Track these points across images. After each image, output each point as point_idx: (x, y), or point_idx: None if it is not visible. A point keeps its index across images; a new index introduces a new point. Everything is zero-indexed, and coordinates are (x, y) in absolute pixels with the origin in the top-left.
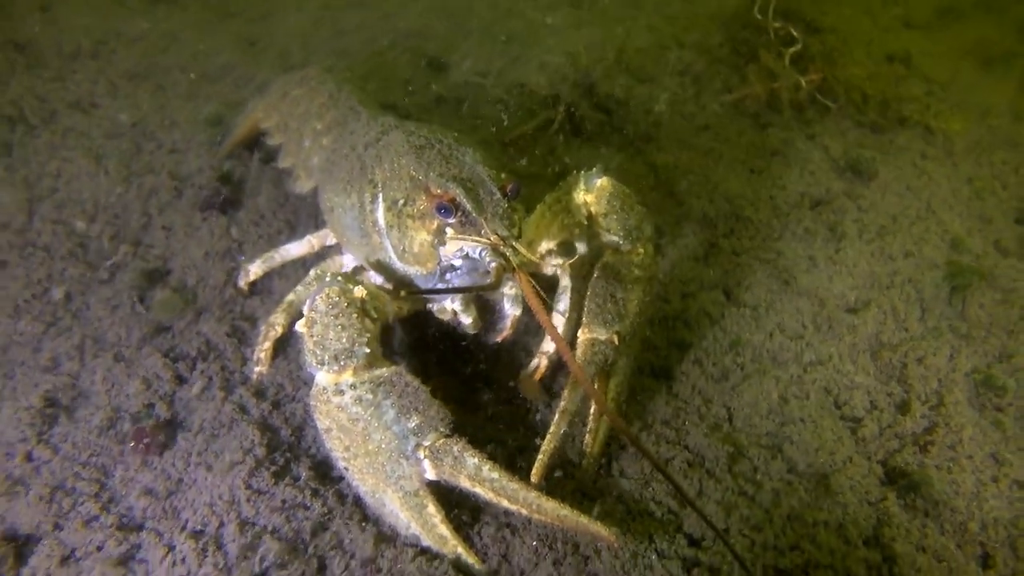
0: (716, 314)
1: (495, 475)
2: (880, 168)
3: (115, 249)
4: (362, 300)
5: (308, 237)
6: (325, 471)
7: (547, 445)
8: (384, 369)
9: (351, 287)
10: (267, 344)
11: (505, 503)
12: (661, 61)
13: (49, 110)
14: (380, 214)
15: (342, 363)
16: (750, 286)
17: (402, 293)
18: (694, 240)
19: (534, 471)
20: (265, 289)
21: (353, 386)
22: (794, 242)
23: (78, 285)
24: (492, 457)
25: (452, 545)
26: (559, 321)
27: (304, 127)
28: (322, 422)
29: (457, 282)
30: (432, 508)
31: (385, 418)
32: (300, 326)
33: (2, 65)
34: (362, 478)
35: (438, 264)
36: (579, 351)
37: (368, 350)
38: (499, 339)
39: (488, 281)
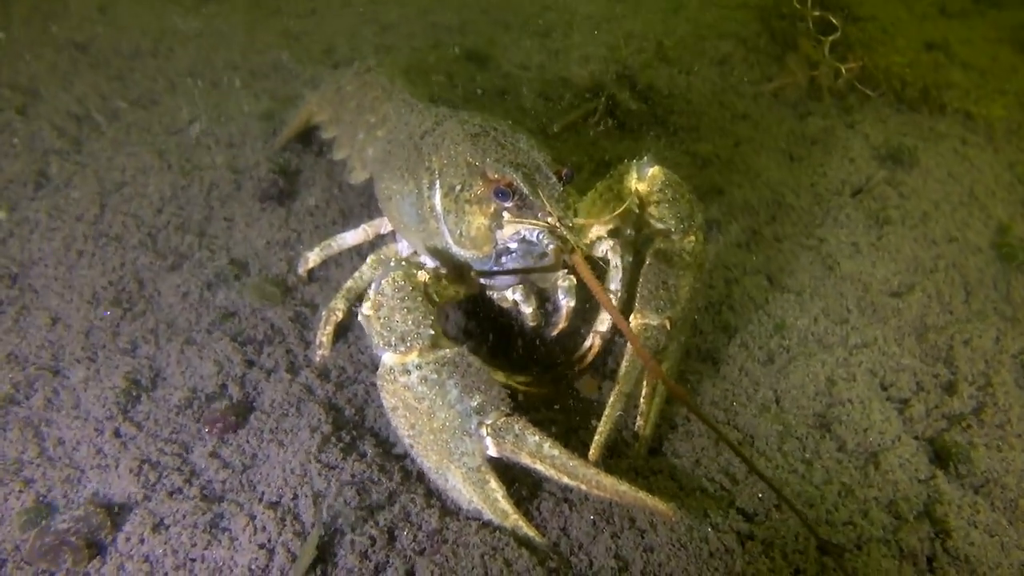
0: (760, 299)
1: (555, 452)
2: (921, 155)
3: (181, 239)
4: (425, 284)
5: (363, 226)
6: (388, 448)
7: (605, 424)
8: (448, 350)
9: (415, 271)
10: (328, 328)
11: (565, 479)
12: (700, 51)
13: (112, 108)
14: (437, 200)
15: (408, 344)
16: (793, 271)
17: (472, 273)
18: (736, 227)
19: (592, 449)
20: (323, 277)
21: (419, 366)
22: (836, 228)
23: (149, 273)
24: (551, 436)
25: (513, 519)
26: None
27: (358, 120)
28: (388, 401)
29: (512, 265)
30: (494, 483)
31: (449, 397)
32: (366, 309)
33: (66, 65)
34: (426, 454)
35: (494, 247)
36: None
37: (433, 331)
38: (554, 332)
39: (546, 263)
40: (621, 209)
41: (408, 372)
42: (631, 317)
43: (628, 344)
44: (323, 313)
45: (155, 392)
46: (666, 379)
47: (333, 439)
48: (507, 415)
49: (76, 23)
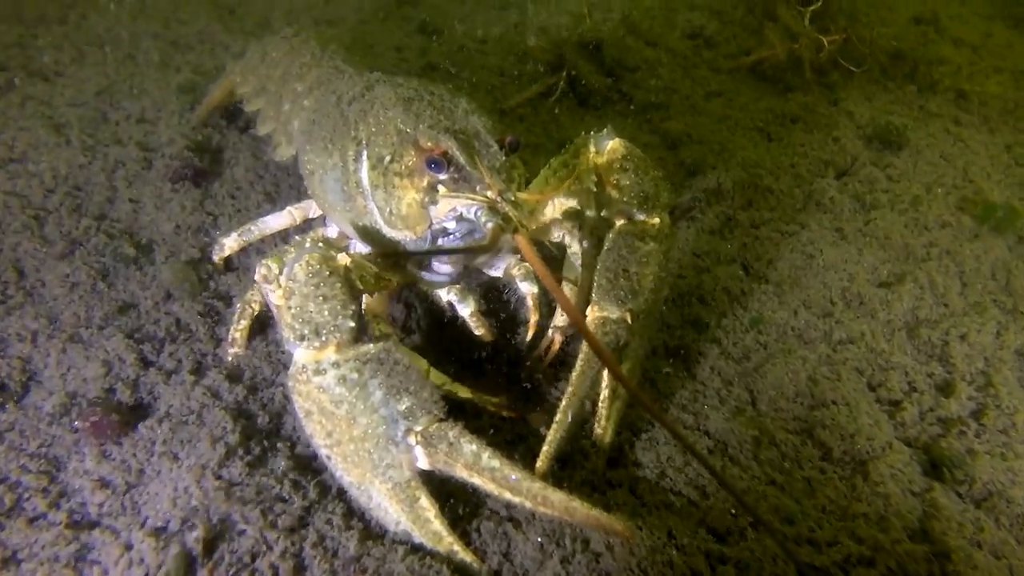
0: (735, 290)
1: (495, 463)
2: (911, 135)
3: (76, 223)
4: (346, 268)
5: (289, 208)
6: (307, 462)
7: (554, 432)
8: (371, 345)
9: (333, 253)
10: (243, 323)
11: (507, 495)
12: (670, 24)
13: (6, 78)
14: (364, 173)
15: (324, 338)
16: (771, 260)
17: (406, 258)
18: (710, 213)
19: (540, 460)
20: (241, 266)
21: (336, 364)
22: (819, 213)
23: (32, 261)
24: (491, 444)
25: (447, 542)
26: (568, 292)
27: (284, 89)
28: (301, 405)
29: (450, 257)
30: (425, 501)
31: (372, 399)
32: (276, 298)
33: None
34: (346, 468)
35: (429, 227)
36: (586, 333)
37: (353, 324)
38: (530, 332)
39: (483, 242)
40: (570, 180)
41: (323, 371)
42: (588, 310)
43: (584, 341)
44: (238, 306)
45: (24, 399)
46: (626, 380)
47: (240, 451)
48: (440, 420)
49: None
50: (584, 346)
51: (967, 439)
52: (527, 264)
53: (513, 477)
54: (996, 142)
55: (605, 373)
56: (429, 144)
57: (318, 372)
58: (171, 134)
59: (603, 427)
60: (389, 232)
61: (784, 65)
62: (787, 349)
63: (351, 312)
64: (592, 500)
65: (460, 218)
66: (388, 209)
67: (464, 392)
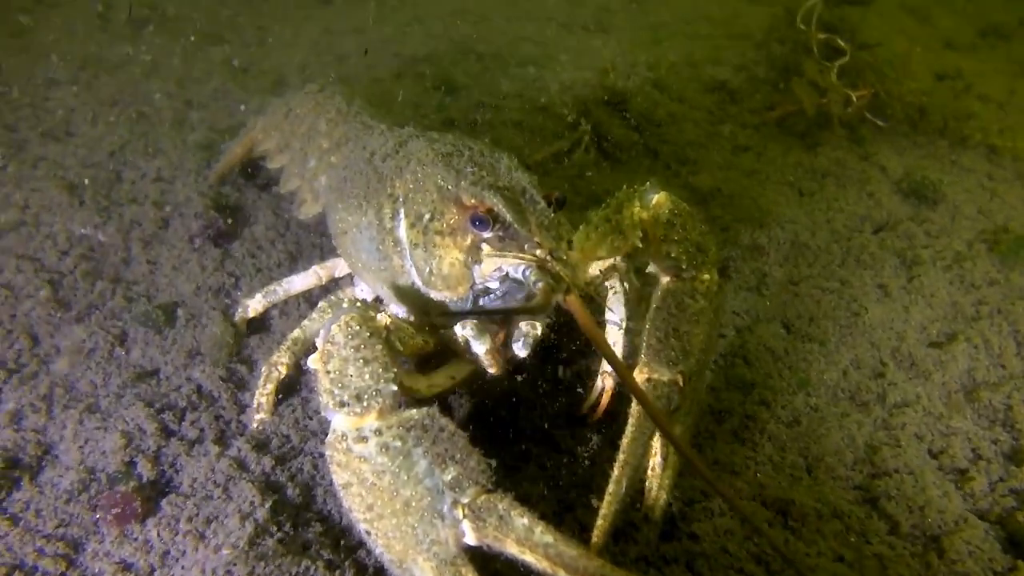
0: (779, 349)
1: (549, 539)
2: (947, 190)
3: (91, 286)
4: (387, 329)
5: (314, 268)
6: (340, 537)
7: (609, 504)
8: (414, 410)
9: (373, 314)
10: (269, 387)
11: (562, 573)
12: (693, 78)
13: (18, 139)
14: (402, 232)
15: (365, 404)
16: (814, 318)
17: (443, 319)
18: (745, 268)
19: (595, 534)
20: (263, 327)
21: (378, 431)
22: (859, 270)
23: (46, 327)
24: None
25: None
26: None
27: (309, 146)
28: (340, 476)
29: (492, 307)
30: None
31: (416, 469)
32: (313, 361)
33: None
34: (388, 544)
35: (471, 288)
36: (636, 395)
37: (395, 388)
38: (491, 370)
39: (533, 304)
40: (625, 244)
41: (365, 439)
42: (636, 371)
43: (634, 404)
44: (263, 370)
45: (40, 475)
46: (680, 444)
47: (271, 528)
48: (488, 492)
49: None
50: (635, 410)
51: None
52: (536, 329)
53: (569, 554)
54: None
55: (656, 439)
56: (473, 201)
57: (359, 440)
58: (188, 193)
59: (655, 496)
60: (428, 292)
61: (811, 120)
62: (840, 412)
63: (393, 375)
64: None
65: (505, 278)
66: (428, 268)
67: None
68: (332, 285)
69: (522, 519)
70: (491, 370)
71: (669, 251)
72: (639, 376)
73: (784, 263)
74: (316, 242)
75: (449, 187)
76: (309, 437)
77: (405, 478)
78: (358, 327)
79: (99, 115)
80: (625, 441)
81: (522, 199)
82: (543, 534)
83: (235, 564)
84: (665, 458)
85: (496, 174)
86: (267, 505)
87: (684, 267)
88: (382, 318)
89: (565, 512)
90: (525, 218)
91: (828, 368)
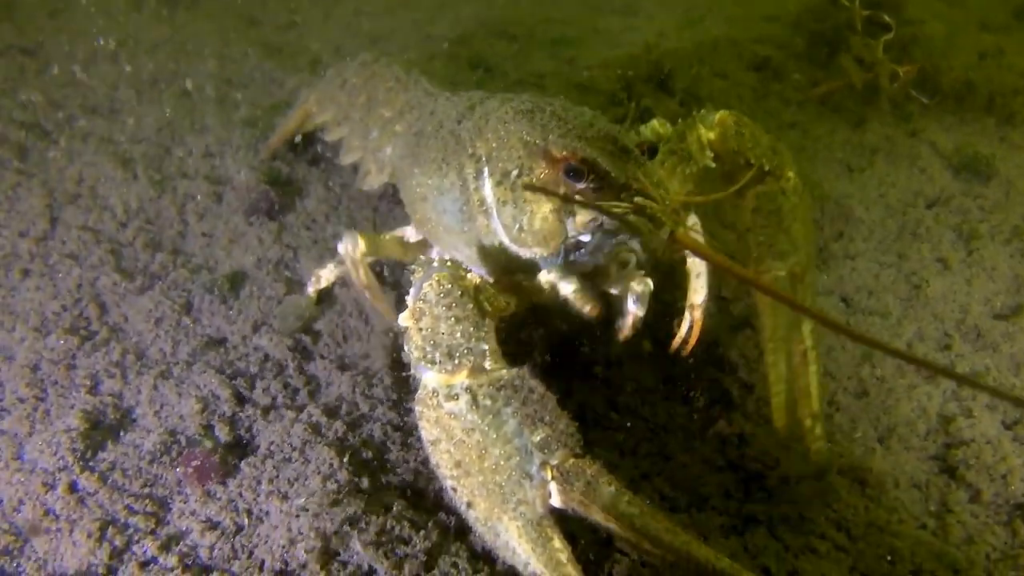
0: (841, 320)
1: (635, 510)
2: (999, 165)
3: (151, 257)
4: (476, 288)
5: (384, 236)
6: (418, 500)
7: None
8: (505, 371)
9: (463, 273)
10: (311, 290)
11: (646, 545)
12: (736, 55)
13: (65, 116)
14: (488, 190)
15: (457, 361)
16: (873, 291)
17: (533, 278)
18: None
19: (776, 414)
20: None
21: (469, 389)
22: (917, 243)
23: (112, 296)
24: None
25: None
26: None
27: (370, 117)
28: (429, 432)
29: (585, 265)
30: (558, 542)
31: (506, 428)
32: (404, 319)
33: (10, 70)
34: (474, 501)
35: (562, 242)
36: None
37: (487, 346)
38: (620, 337)
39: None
40: (697, 169)
41: (456, 396)
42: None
43: (766, 309)
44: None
45: (122, 436)
46: (825, 316)
47: (350, 488)
48: (577, 456)
49: (22, 27)
50: (767, 311)
51: None
52: (647, 284)
53: (655, 527)
54: None
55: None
56: (564, 153)
57: (450, 397)
58: (240, 167)
59: (813, 395)
60: (517, 250)
61: (856, 96)
62: (908, 384)
63: (484, 334)
64: (729, 543)
65: (599, 228)
66: (518, 225)
67: None
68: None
69: (609, 487)
70: (585, 310)
71: (748, 159)
72: (759, 276)
73: (839, 238)
74: (368, 216)
75: (537, 141)
76: (377, 404)
77: (494, 436)
78: (450, 285)
79: (142, 93)
80: (769, 345)
81: (614, 147)
82: (630, 505)
83: (322, 521)
84: (804, 355)
85: (584, 125)
86: (346, 466)
87: (767, 168)
88: (472, 277)
89: (643, 480)
90: (619, 165)
91: (892, 340)
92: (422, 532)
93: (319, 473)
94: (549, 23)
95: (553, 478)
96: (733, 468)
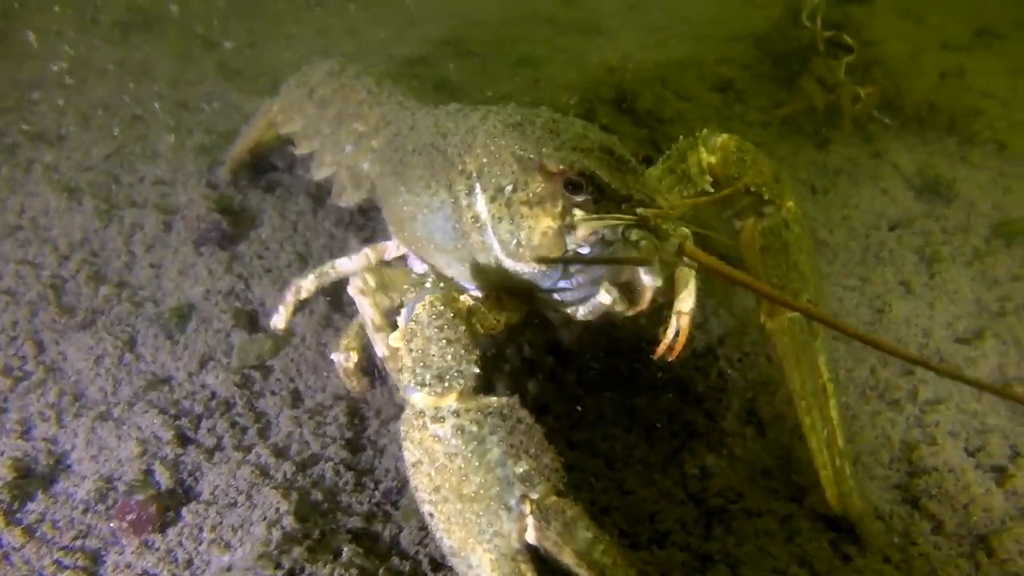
0: None
1: (608, 561)
2: (960, 187)
3: (95, 291)
4: (468, 310)
5: (365, 250)
6: (372, 544)
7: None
8: (494, 398)
9: (456, 295)
10: (289, 302)
11: None
12: (698, 77)
13: (9, 144)
14: (482, 206)
15: (447, 384)
16: (837, 315)
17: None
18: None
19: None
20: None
21: (456, 413)
22: (880, 267)
23: (51, 333)
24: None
25: None
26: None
27: (342, 130)
28: (412, 454)
29: (584, 278)
30: None
31: (489, 457)
32: (396, 340)
33: None
34: (449, 529)
35: (562, 255)
36: (777, 336)
37: (477, 370)
38: (632, 312)
39: (640, 257)
40: (695, 193)
41: (442, 419)
42: (769, 314)
43: (787, 345)
44: (289, 287)
45: (54, 485)
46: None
47: (299, 535)
48: (559, 493)
49: None
50: (789, 349)
51: None
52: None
53: None
54: None
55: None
56: (561, 167)
57: (436, 420)
58: (191, 195)
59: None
60: (513, 266)
61: (820, 118)
62: (872, 411)
63: (475, 358)
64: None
65: (601, 240)
66: (514, 241)
67: None
68: (381, 267)
69: (587, 533)
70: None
71: (748, 187)
72: (776, 319)
73: None
74: (325, 243)
75: (530, 155)
76: (328, 443)
77: (476, 464)
78: (442, 307)
79: (90, 118)
80: (802, 404)
81: (611, 158)
82: (603, 555)
83: (265, 572)
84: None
85: (577, 137)
86: (293, 511)
87: (767, 198)
88: (465, 299)
89: (602, 515)
90: (618, 177)
91: (856, 366)
92: None
93: (264, 519)
94: (514, 42)
95: (531, 512)
96: (695, 502)
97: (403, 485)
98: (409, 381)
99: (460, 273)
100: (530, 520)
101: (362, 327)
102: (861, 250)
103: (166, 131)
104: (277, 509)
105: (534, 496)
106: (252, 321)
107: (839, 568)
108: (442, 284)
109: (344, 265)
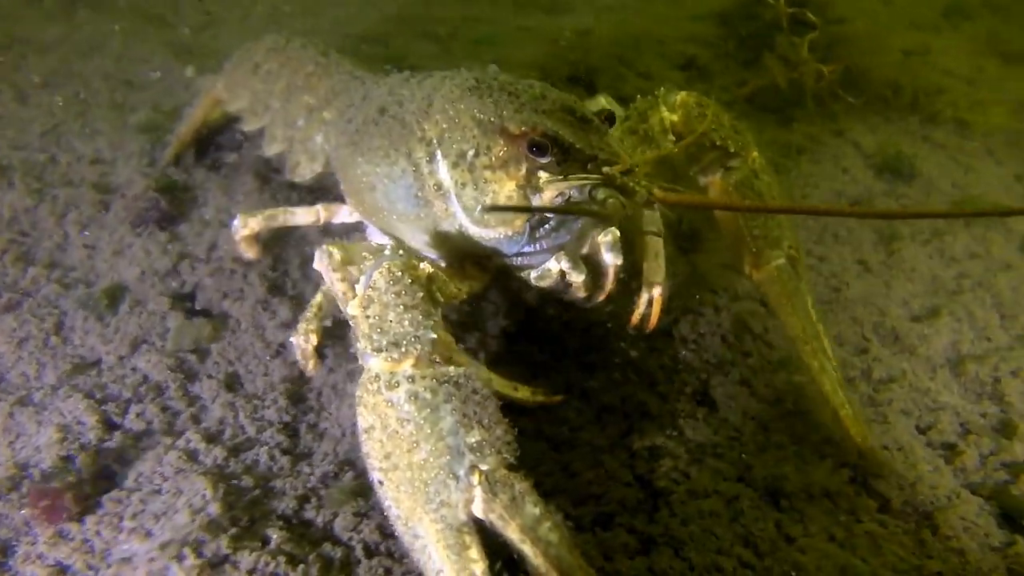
0: (757, 328)
1: (553, 537)
2: (921, 165)
3: (23, 272)
4: (428, 277)
5: (319, 206)
6: (305, 530)
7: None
8: (451, 367)
9: (416, 262)
10: (310, 364)
11: None
12: (660, 55)
13: None
14: (444, 173)
15: (403, 350)
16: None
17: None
18: (720, 246)
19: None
20: (221, 313)
21: (411, 379)
22: (838, 245)
23: None
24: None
25: None
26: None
27: (291, 104)
28: (365, 419)
29: (549, 242)
30: (475, 552)
31: (441, 425)
32: (353, 308)
33: None
34: (397, 497)
35: (527, 219)
36: (768, 285)
37: (435, 336)
38: (602, 297)
39: (606, 214)
40: (657, 152)
41: (396, 384)
42: (755, 264)
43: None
44: (294, 343)
45: None
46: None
47: (224, 522)
48: (510, 467)
49: None
50: (782, 298)
51: None
52: (614, 232)
53: (568, 562)
54: (1005, 172)
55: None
56: (523, 128)
57: (391, 385)
58: (131, 175)
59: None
60: (479, 232)
61: (783, 96)
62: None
63: (433, 324)
64: (634, 564)
65: (568, 202)
66: (480, 207)
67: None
68: (328, 227)
69: (535, 508)
70: (581, 294)
71: (713, 140)
72: (763, 269)
73: None
74: None
75: (491, 119)
76: (265, 427)
77: (428, 431)
78: (400, 273)
79: (28, 96)
80: (805, 348)
81: (573, 118)
82: (550, 531)
83: (185, 559)
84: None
85: (537, 99)
86: (220, 498)
87: (732, 150)
88: (425, 266)
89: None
90: (582, 137)
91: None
92: (301, 567)
93: (189, 506)
94: (475, 22)
95: (480, 484)
96: (642, 483)
97: (341, 470)
98: (366, 347)
99: (423, 242)
100: (478, 491)
101: (320, 308)
102: (820, 229)
103: (109, 109)
104: (203, 496)
105: (484, 467)
106: (191, 304)
107: (783, 548)
108: (401, 252)
109: (297, 215)
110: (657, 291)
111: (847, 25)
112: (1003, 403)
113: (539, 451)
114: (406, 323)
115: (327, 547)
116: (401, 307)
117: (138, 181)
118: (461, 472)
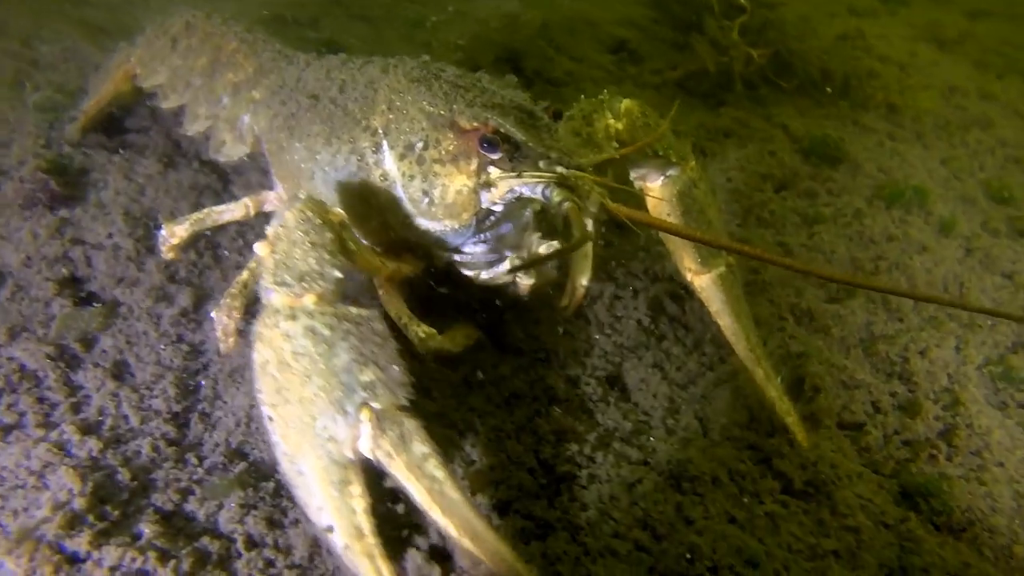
0: (674, 310)
1: (439, 474)
2: (848, 149)
3: None
4: (341, 223)
5: (244, 199)
6: (184, 524)
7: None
8: (354, 308)
9: (328, 208)
10: (231, 340)
11: (436, 513)
12: (590, 37)
13: None
14: (391, 165)
15: (306, 285)
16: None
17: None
18: (642, 227)
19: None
20: (111, 299)
21: (311, 314)
22: (760, 228)
23: None
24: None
25: (368, 544)
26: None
27: (215, 81)
28: (260, 353)
29: (493, 234)
30: (357, 488)
31: (335, 361)
32: (261, 248)
33: None
34: (285, 433)
35: (475, 213)
36: (709, 291)
37: (339, 275)
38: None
39: (575, 241)
40: (601, 157)
41: (295, 317)
42: (697, 273)
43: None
44: (216, 319)
45: None
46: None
47: (90, 517)
48: (400, 407)
49: None
50: (722, 303)
51: (938, 463)
52: (553, 244)
53: (452, 497)
54: (931, 156)
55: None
56: (475, 124)
57: (289, 318)
58: (24, 155)
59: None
60: (426, 224)
61: (713, 80)
62: (735, 371)
63: (339, 263)
64: (529, 549)
65: (519, 199)
66: (427, 199)
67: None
68: (261, 218)
69: (422, 446)
70: (524, 294)
71: (656, 150)
72: (704, 277)
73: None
74: (175, 207)
75: (441, 112)
76: (151, 417)
77: (322, 367)
78: (311, 214)
79: None
80: (750, 356)
81: (523, 114)
82: (435, 468)
83: (38, 555)
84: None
85: (487, 92)
86: (88, 492)
87: (673, 160)
88: (338, 212)
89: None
90: (533, 134)
91: None
92: (172, 562)
93: (52, 501)
94: (409, 4)
95: (368, 420)
96: (545, 469)
97: (231, 460)
98: (269, 281)
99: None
100: (365, 427)
101: (246, 286)
102: (743, 212)
103: (10, 88)
104: (69, 490)
105: (375, 405)
106: (80, 290)
107: (681, 530)
108: (316, 200)
109: (223, 213)
110: (581, 292)
111: (780, 10)
112: (911, 382)
113: (443, 436)
114: (312, 260)
115: (205, 541)
116: (308, 245)
117: (29, 162)
118: (351, 408)
